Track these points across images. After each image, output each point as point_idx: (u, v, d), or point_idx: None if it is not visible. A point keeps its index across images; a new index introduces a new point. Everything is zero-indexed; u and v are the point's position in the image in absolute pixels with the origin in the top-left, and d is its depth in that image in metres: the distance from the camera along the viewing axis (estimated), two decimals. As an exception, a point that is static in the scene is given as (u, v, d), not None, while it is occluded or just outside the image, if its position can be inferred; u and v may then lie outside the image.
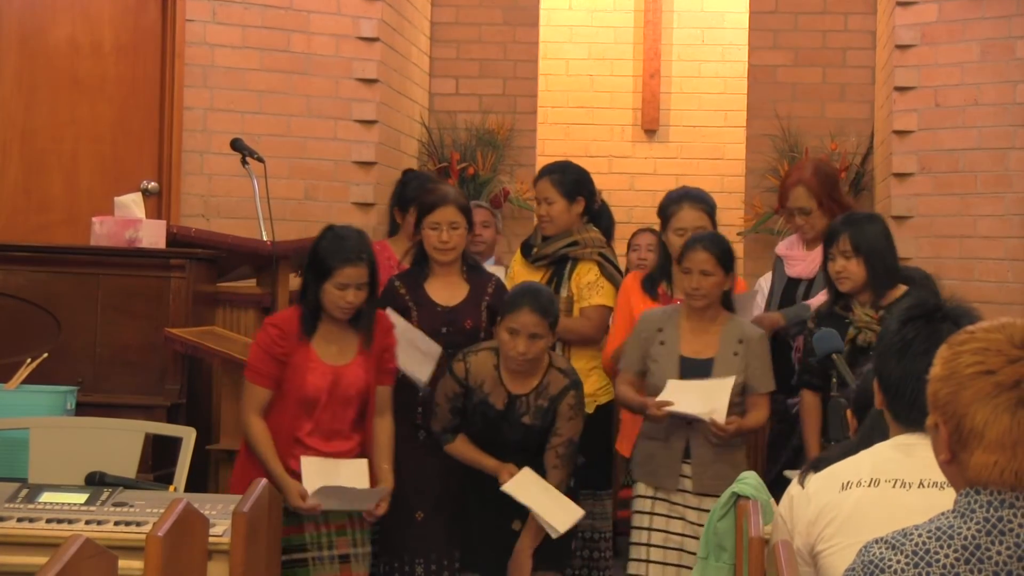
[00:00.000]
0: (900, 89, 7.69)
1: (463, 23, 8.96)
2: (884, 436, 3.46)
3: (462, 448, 5.06)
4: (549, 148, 9.27)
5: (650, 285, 5.59)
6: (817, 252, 5.48)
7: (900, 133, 7.70)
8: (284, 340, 4.65)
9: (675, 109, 9.50)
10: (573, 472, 5.10)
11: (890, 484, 2.91)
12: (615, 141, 9.52)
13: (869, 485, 2.94)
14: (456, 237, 5.24)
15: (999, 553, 2.13)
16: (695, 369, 5.05)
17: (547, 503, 4.93)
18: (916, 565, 2.14)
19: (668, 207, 5.59)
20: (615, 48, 9.54)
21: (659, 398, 4.98)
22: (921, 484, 2.87)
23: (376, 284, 4.75)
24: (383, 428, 4.84)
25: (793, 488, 3.70)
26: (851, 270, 5.02)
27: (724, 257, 5.10)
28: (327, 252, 4.65)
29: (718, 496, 4.80)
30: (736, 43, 9.28)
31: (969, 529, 2.15)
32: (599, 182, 6.28)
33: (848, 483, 2.97)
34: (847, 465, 3.03)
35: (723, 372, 5.03)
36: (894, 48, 7.73)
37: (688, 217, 5.48)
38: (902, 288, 5.03)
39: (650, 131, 9.49)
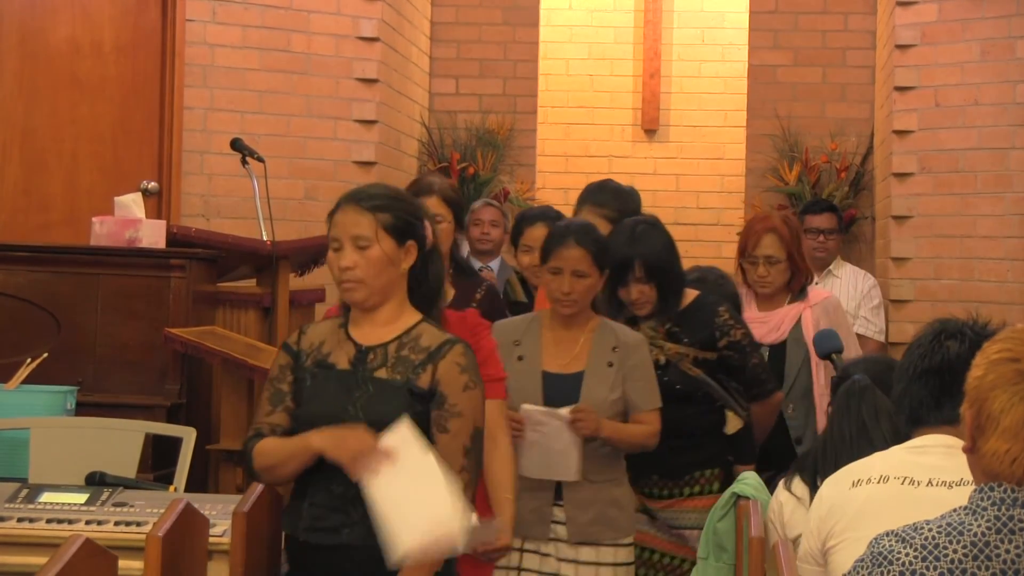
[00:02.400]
0: (900, 89, 7.69)
1: (463, 23, 8.96)
2: (849, 435, 3.51)
3: (271, 446, 3.29)
4: (549, 148, 9.27)
5: None
6: (776, 315, 5.17)
7: (900, 133, 7.70)
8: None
9: (675, 109, 9.50)
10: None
11: (899, 481, 2.94)
12: (615, 141, 9.52)
13: (879, 482, 2.97)
14: (440, 233, 4.07)
15: (1008, 552, 2.14)
16: (562, 386, 4.24)
17: (417, 501, 3.11)
18: (924, 559, 2.15)
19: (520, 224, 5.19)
20: (615, 48, 9.54)
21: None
22: (930, 483, 2.89)
23: (429, 255, 3.39)
24: (497, 457, 3.81)
25: (781, 494, 3.73)
26: (648, 294, 4.62)
27: (600, 254, 4.28)
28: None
29: (598, 544, 4.21)
30: (736, 43, 9.28)
31: (979, 526, 2.16)
32: (599, 182, 6.26)
33: (858, 481, 3.01)
34: (860, 465, 3.07)
35: (596, 387, 4.22)
36: (894, 48, 7.73)
37: (538, 235, 4.87)
38: (692, 294, 4.70)
39: (650, 131, 9.49)
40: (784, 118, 8.49)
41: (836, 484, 3.07)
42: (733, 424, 4.68)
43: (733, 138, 9.24)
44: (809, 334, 5.07)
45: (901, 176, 7.69)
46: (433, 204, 4.26)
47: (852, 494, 3.00)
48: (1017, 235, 7.27)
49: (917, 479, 2.91)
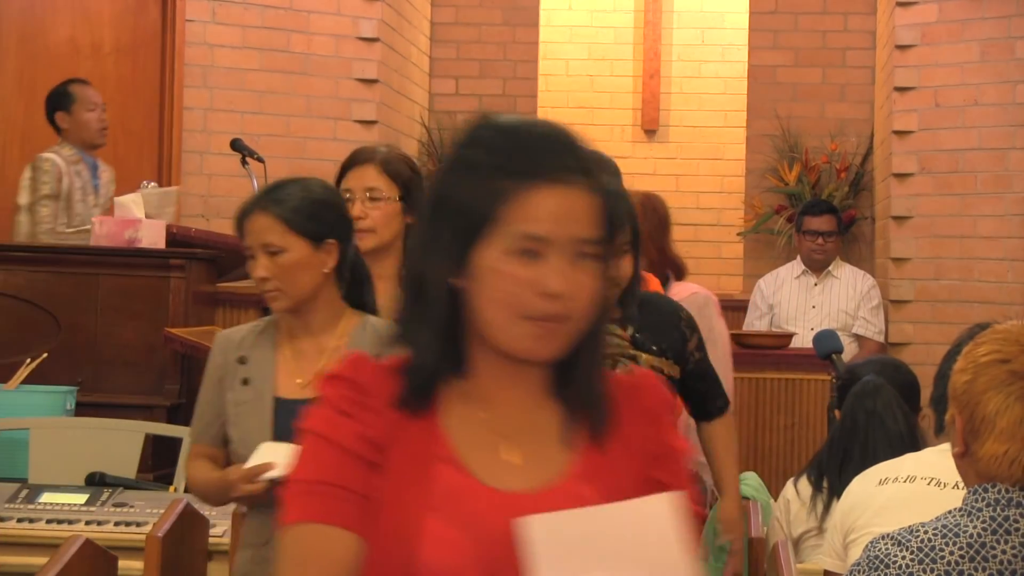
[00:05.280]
0: (900, 89, 7.69)
1: (463, 23, 8.97)
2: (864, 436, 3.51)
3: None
4: (549, 148, 9.27)
5: None
6: None
7: (900, 133, 7.70)
8: (366, 408, 1.78)
9: (675, 109, 9.49)
10: None
11: (925, 482, 2.95)
12: (615, 141, 9.51)
13: (905, 481, 2.99)
14: (378, 214, 3.52)
15: (1004, 552, 2.14)
16: (299, 415, 2.62)
17: None
18: (921, 561, 2.15)
19: None
20: (615, 48, 9.54)
21: (249, 464, 2.97)
22: (956, 486, 2.90)
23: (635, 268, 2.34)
24: None
25: (788, 491, 3.74)
26: (624, 271, 3.41)
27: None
28: (498, 157, 1.75)
29: None
30: (736, 43, 9.28)
31: (975, 527, 2.16)
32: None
33: (885, 479, 3.03)
34: (889, 464, 3.09)
35: None
36: (894, 48, 7.73)
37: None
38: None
39: (650, 131, 9.49)
40: (784, 118, 8.49)
41: (864, 481, 3.09)
42: None
43: (733, 138, 9.24)
44: None
45: (901, 176, 7.69)
46: (369, 175, 3.60)
47: (877, 491, 3.02)
48: (1017, 235, 7.27)
49: (944, 481, 2.92)
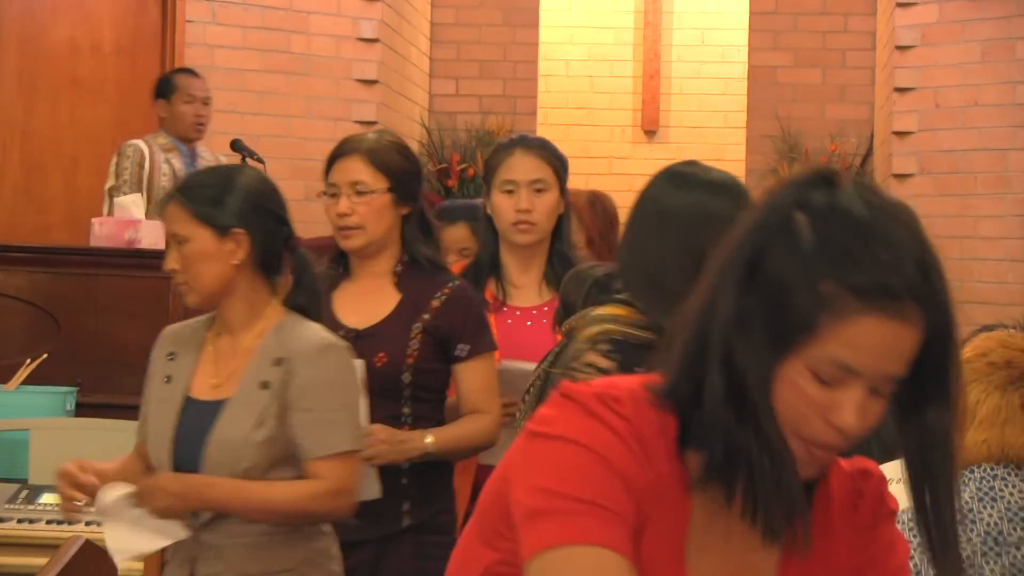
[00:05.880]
0: (900, 90, 7.69)
1: (463, 24, 8.97)
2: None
3: None
4: (549, 149, 9.27)
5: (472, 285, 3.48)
6: None
7: (900, 134, 7.70)
8: (647, 465, 1.49)
9: (675, 110, 9.50)
10: None
11: None
12: (615, 142, 9.52)
13: (897, 482, 3.01)
14: (364, 209, 3.27)
15: (990, 515, 2.24)
16: (200, 420, 2.88)
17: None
18: (911, 529, 2.20)
19: (495, 156, 3.59)
20: (615, 49, 9.55)
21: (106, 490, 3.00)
22: None
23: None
24: None
25: None
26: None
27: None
28: (839, 257, 1.47)
29: None
30: (736, 44, 9.29)
31: (963, 498, 2.23)
32: (599, 184, 6.24)
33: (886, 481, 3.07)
34: (888, 466, 3.11)
35: (235, 422, 2.83)
36: (894, 49, 7.74)
37: (522, 167, 3.50)
38: None
39: (650, 132, 9.50)
40: (784, 119, 8.50)
41: None
42: None
43: (733, 139, 9.25)
44: None
45: (901, 177, 7.70)
46: (354, 167, 3.31)
47: None
48: (1017, 236, 7.27)
49: None
